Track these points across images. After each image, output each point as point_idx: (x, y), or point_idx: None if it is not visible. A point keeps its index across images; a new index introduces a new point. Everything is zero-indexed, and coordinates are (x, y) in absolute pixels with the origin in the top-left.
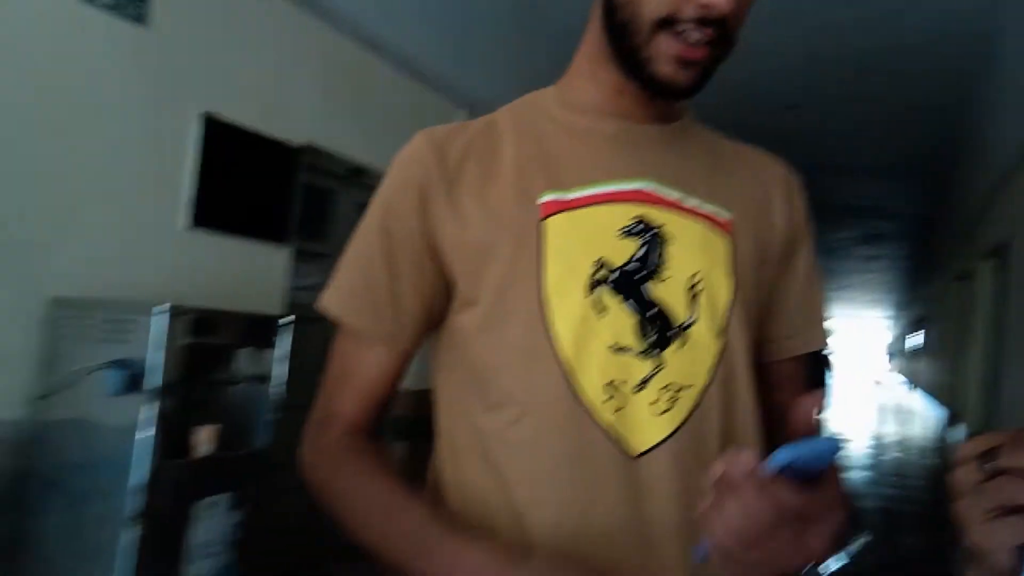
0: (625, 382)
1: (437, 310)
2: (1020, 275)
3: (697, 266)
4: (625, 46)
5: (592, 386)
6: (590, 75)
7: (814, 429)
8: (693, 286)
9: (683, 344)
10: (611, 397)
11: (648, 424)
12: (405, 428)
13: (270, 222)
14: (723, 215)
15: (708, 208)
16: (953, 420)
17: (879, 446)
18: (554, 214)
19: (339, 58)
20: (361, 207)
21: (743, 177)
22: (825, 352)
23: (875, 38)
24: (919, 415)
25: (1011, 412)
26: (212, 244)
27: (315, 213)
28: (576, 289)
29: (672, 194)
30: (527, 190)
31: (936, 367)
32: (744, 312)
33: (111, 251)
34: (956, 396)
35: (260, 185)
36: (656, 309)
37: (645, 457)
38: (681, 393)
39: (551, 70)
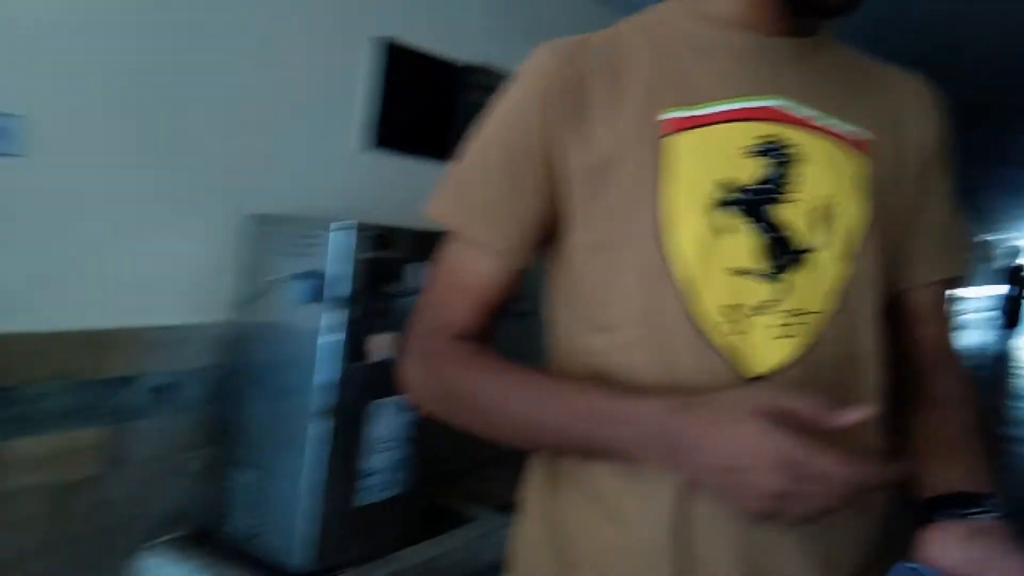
0: (745, 305)
1: (552, 229)
2: None
3: (831, 188)
4: None
5: (710, 308)
6: None
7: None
8: (826, 208)
9: (810, 268)
10: (729, 319)
11: (766, 348)
12: None
13: (441, 141)
14: (861, 135)
15: (845, 128)
16: None
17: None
18: (678, 131)
19: None
20: None
21: (880, 95)
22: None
23: None
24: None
25: None
26: (387, 164)
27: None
28: (696, 209)
29: (806, 112)
30: (652, 108)
31: None
32: (880, 238)
33: (299, 171)
34: None
35: (431, 105)
36: (782, 232)
37: (761, 381)
38: (804, 318)
39: None
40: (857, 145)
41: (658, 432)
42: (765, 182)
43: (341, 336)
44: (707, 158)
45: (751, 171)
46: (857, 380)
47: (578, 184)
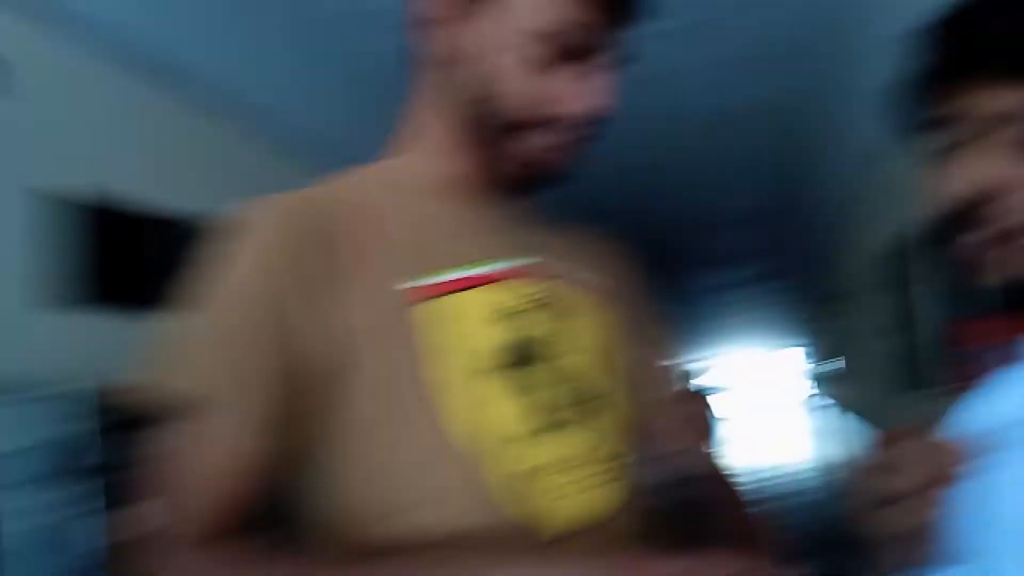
0: (532, 465)
1: (309, 403)
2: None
3: (593, 338)
4: (487, 143)
5: (498, 476)
6: (442, 154)
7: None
8: (594, 358)
9: (592, 417)
10: (521, 483)
11: (563, 504)
12: None
13: (148, 294)
14: (601, 283)
15: (589, 278)
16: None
17: (818, 470)
18: (430, 298)
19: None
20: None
21: (594, 247)
22: (706, 392)
23: (726, 98)
24: (848, 436)
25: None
26: (73, 322)
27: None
28: (471, 377)
29: (558, 267)
30: (400, 276)
31: (857, 389)
32: (631, 375)
33: None
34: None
35: (137, 257)
36: (560, 386)
37: (562, 539)
38: (594, 467)
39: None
40: (600, 293)
41: None
42: (532, 340)
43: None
44: (464, 324)
45: (519, 331)
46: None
47: (335, 355)
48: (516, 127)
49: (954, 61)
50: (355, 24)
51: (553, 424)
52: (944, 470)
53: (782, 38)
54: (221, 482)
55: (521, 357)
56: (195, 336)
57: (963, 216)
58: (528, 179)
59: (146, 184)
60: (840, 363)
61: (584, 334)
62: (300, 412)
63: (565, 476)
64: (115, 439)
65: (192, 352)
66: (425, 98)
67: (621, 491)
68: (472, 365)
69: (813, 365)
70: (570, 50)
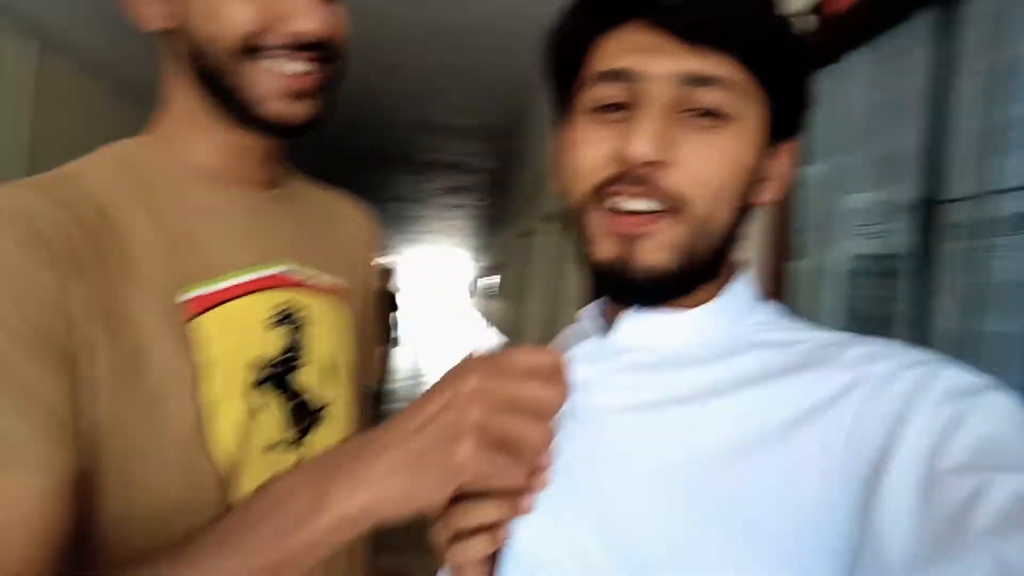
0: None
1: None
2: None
3: (334, 343)
4: (222, 91)
5: (247, 490)
6: (194, 128)
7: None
8: (333, 363)
9: (326, 423)
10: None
11: None
12: None
13: None
14: (339, 283)
15: (331, 280)
16: None
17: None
18: (202, 312)
19: None
20: None
21: (344, 236)
22: (392, 291)
23: (467, 14)
24: (491, 349)
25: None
26: None
27: None
28: (235, 395)
29: (305, 272)
30: (172, 284)
31: (506, 309)
32: (361, 376)
33: None
34: (521, 335)
35: None
36: (300, 397)
37: None
38: None
39: None
40: (339, 294)
41: (317, 474)
42: (286, 351)
43: None
44: (236, 337)
45: (274, 343)
46: None
47: (104, 371)
48: (250, 53)
49: (617, 9)
50: None
51: (280, 442)
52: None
53: None
54: (24, 535)
55: (281, 369)
56: None
57: (600, 186)
58: (280, 117)
59: None
60: (498, 281)
61: (319, 343)
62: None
63: None
64: None
65: None
66: (168, 72)
67: None
68: (247, 379)
69: (478, 277)
70: None
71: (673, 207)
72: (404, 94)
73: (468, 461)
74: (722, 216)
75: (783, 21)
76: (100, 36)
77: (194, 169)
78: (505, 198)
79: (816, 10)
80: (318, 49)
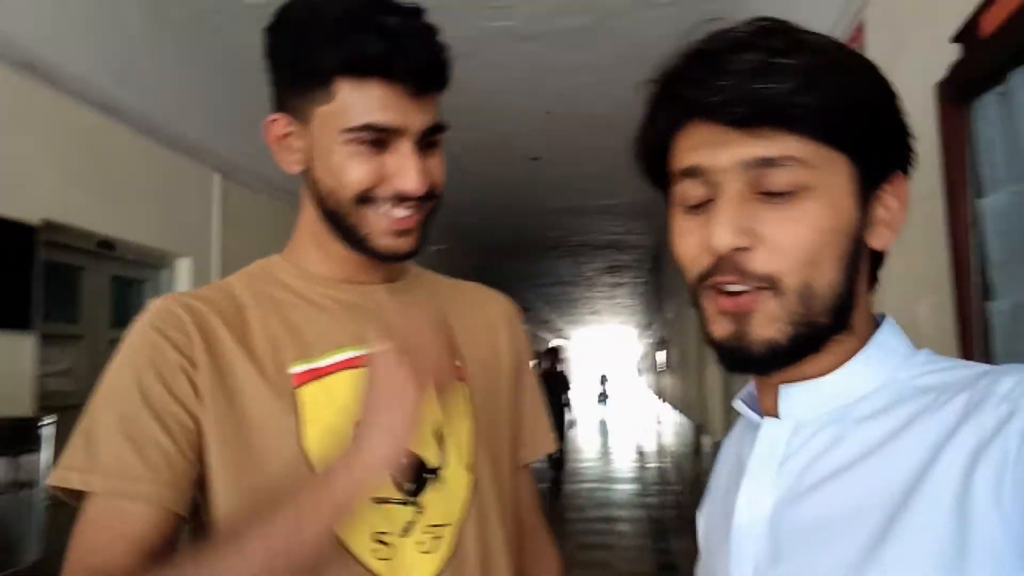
0: (391, 531)
1: (198, 479)
2: None
3: (438, 413)
4: (341, 227)
5: (360, 539)
6: (316, 246)
7: None
8: (437, 432)
9: (438, 486)
10: (380, 546)
11: (416, 565)
12: None
13: (9, 308)
14: (456, 363)
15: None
16: (700, 430)
17: (639, 457)
18: (308, 383)
19: (73, 125)
20: (114, 281)
21: (469, 320)
22: (563, 372)
23: (602, 102)
24: (670, 427)
25: None
26: None
27: (61, 292)
28: (337, 451)
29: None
30: (279, 361)
31: (680, 383)
32: (488, 447)
33: None
34: (701, 409)
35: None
36: (409, 458)
37: None
38: (442, 530)
39: None
40: (456, 373)
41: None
42: None
43: None
44: (340, 403)
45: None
46: (494, 573)
47: (219, 433)
48: (364, 202)
49: (679, 111)
50: None
51: (390, 498)
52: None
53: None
54: (124, 543)
55: None
56: (94, 432)
57: (703, 275)
58: (388, 250)
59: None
60: (665, 356)
61: (425, 413)
62: (191, 463)
63: (414, 538)
64: None
65: (95, 447)
66: (303, 202)
67: (443, 555)
68: (348, 438)
69: (646, 352)
70: (385, 138)
71: (768, 286)
72: (553, 180)
73: None
74: (824, 278)
75: (839, 74)
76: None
77: (314, 275)
78: (666, 271)
79: (961, 37)
80: (420, 201)
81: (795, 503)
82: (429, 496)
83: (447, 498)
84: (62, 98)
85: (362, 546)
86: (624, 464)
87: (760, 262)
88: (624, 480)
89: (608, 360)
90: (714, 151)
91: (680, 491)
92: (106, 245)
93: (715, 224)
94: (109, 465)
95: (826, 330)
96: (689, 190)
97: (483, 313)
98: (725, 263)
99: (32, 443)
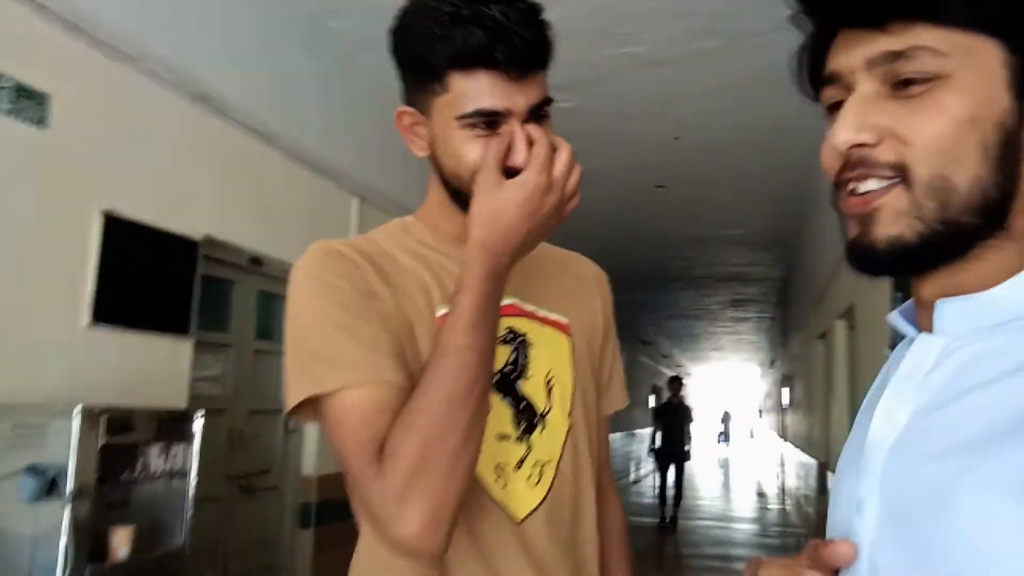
0: (508, 463)
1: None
2: (864, 332)
3: (551, 364)
4: (463, 200)
5: (486, 468)
6: (446, 215)
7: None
8: (549, 381)
9: (544, 428)
10: (499, 476)
11: (526, 494)
12: (315, 513)
13: (171, 315)
14: (563, 319)
15: (553, 315)
16: (824, 468)
17: (759, 497)
18: None
19: (235, 151)
20: (262, 296)
21: (571, 283)
22: (686, 403)
23: (731, 128)
24: (793, 466)
25: None
26: (114, 340)
27: (214, 303)
28: None
29: (528, 306)
30: (428, 299)
31: (804, 420)
32: (583, 396)
33: (14, 354)
34: (825, 447)
35: (160, 278)
36: (525, 402)
37: (526, 521)
38: (545, 467)
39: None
40: (562, 328)
41: (483, 255)
42: (511, 364)
43: (66, 538)
44: None
45: (502, 356)
46: (584, 506)
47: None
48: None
49: (820, 13)
50: None
51: (510, 435)
52: None
53: None
54: (388, 413)
55: (507, 377)
56: (314, 350)
57: (837, 178)
58: None
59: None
60: (789, 393)
61: (537, 362)
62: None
63: (524, 471)
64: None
65: (329, 357)
66: (431, 178)
67: (545, 486)
68: None
69: (770, 391)
70: (496, 120)
71: (898, 177)
72: (678, 208)
73: None
74: (966, 172)
75: None
76: (406, 187)
77: (444, 234)
78: (791, 306)
79: None
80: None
81: (932, 413)
82: (536, 436)
83: (550, 439)
84: (226, 125)
85: (488, 475)
86: (744, 503)
87: (885, 152)
88: (743, 519)
89: (729, 398)
90: (846, 52)
91: (803, 533)
92: (256, 261)
93: (838, 122)
94: (354, 362)
95: (972, 231)
96: (829, 95)
97: (582, 277)
98: (852, 161)
99: (185, 435)
